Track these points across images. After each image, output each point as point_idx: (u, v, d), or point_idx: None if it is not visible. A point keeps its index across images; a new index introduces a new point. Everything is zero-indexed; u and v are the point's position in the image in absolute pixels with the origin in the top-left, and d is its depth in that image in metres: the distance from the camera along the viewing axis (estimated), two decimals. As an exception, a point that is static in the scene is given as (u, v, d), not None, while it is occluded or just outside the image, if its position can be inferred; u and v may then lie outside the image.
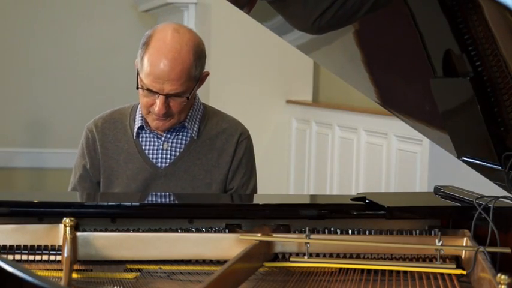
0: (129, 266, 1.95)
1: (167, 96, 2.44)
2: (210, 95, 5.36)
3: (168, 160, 2.55)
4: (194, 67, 2.45)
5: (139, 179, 2.54)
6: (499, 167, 1.90)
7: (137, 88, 2.48)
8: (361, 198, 2.19)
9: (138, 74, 2.47)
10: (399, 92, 2.34)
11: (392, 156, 4.33)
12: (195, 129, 2.56)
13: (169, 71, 2.41)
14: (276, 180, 5.46)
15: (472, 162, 2.06)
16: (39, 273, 1.87)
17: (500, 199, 1.97)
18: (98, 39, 6.58)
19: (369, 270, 1.92)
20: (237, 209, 2.27)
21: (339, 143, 4.95)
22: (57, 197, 2.41)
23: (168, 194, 2.48)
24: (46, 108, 6.54)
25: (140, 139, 2.57)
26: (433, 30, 1.83)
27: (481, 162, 2.01)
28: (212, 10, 5.52)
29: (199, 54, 2.47)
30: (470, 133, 2.01)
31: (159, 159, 2.55)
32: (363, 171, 4.64)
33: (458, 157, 2.11)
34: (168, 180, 2.54)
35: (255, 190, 2.63)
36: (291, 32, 2.42)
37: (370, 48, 2.24)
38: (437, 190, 2.28)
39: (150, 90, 2.44)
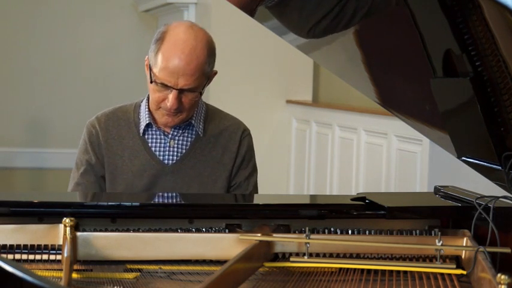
0: (129, 266, 1.95)
1: (180, 92, 2.46)
2: (211, 94, 5.35)
3: (175, 157, 2.58)
4: (207, 63, 2.51)
5: (146, 176, 2.55)
6: (499, 167, 1.90)
7: (150, 82, 2.49)
8: (361, 198, 2.19)
9: (150, 69, 2.49)
10: (399, 92, 2.33)
11: (392, 156, 4.33)
12: (200, 126, 2.60)
13: (184, 66, 2.44)
14: (276, 180, 5.46)
15: (472, 162, 2.05)
16: (39, 273, 1.87)
17: (500, 199, 1.97)
18: (98, 39, 6.57)
19: (369, 270, 1.92)
20: (237, 209, 2.28)
21: (339, 143, 4.95)
22: (57, 197, 2.42)
23: (168, 193, 2.48)
24: (46, 108, 6.53)
25: (146, 136, 2.59)
26: (433, 30, 1.83)
27: (481, 162, 2.01)
28: (212, 10, 5.52)
29: (211, 52, 2.55)
30: (470, 133, 2.01)
31: (166, 156, 2.58)
32: (363, 171, 4.64)
33: (458, 157, 2.11)
34: (175, 176, 2.56)
35: (255, 186, 2.65)
36: (290, 32, 2.42)
37: (370, 48, 2.24)
38: (437, 190, 2.28)
39: (163, 85, 2.45)
